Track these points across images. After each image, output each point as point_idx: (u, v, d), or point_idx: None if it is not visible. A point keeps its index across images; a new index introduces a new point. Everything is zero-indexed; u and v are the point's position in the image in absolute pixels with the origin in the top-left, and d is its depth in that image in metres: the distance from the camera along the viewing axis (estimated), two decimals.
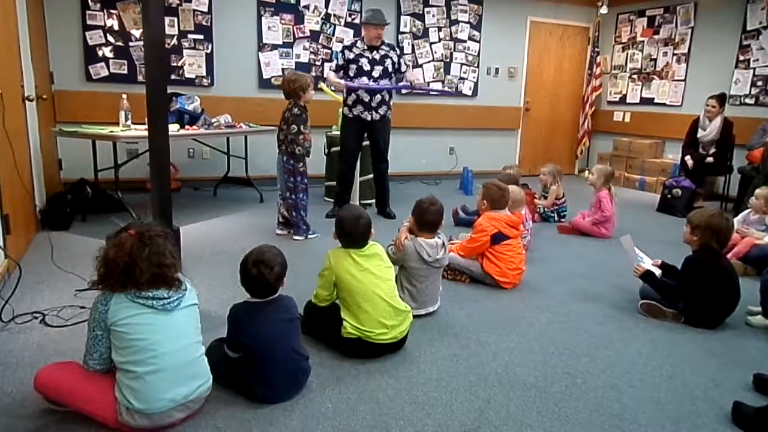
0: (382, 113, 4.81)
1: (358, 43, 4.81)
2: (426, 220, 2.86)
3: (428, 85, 4.93)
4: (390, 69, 4.81)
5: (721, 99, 5.88)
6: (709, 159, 5.86)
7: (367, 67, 4.72)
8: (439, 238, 2.90)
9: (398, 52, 4.94)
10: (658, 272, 3.13)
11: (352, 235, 2.46)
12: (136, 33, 5.56)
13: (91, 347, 1.80)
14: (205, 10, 5.88)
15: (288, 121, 4.04)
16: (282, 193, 4.23)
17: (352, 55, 4.75)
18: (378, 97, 4.76)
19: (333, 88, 5.03)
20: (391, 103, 4.92)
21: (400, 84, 4.97)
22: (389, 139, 5.02)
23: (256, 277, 2.05)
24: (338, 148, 5.51)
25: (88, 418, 1.83)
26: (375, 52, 4.77)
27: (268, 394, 2.03)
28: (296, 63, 6.35)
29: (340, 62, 4.81)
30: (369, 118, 4.79)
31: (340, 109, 4.98)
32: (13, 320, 2.59)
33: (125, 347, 1.75)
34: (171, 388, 1.79)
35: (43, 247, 3.67)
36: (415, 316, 2.63)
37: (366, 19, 4.76)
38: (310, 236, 4.25)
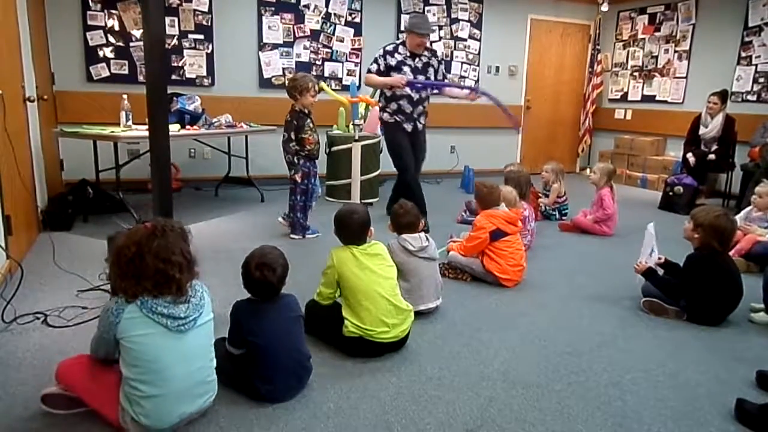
0: (423, 123, 4.73)
1: (400, 49, 4.54)
2: (400, 223, 2.92)
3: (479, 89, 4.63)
4: (432, 78, 4.66)
5: (723, 96, 5.86)
6: (711, 156, 5.84)
7: (409, 76, 4.52)
8: (422, 234, 2.91)
9: (439, 57, 4.74)
10: (659, 268, 3.12)
11: (347, 230, 2.48)
12: (137, 33, 5.56)
13: (97, 342, 1.80)
14: (206, 9, 5.88)
15: (284, 127, 4.09)
16: None
17: (394, 62, 4.49)
18: (420, 108, 4.63)
19: (378, 81, 4.58)
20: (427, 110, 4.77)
21: (463, 87, 4.55)
22: (426, 149, 4.89)
23: (260, 280, 2.05)
24: (339, 147, 5.52)
25: (89, 419, 1.83)
26: (417, 59, 4.56)
27: (271, 393, 2.02)
28: (297, 62, 6.35)
29: (382, 68, 4.51)
30: (409, 129, 4.66)
31: (380, 115, 4.75)
32: (14, 321, 2.59)
33: (134, 365, 1.70)
34: (178, 408, 1.77)
35: (44, 248, 3.67)
36: (414, 313, 2.63)
37: (411, 26, 4.47)
38: (309, 236, 4.26)
